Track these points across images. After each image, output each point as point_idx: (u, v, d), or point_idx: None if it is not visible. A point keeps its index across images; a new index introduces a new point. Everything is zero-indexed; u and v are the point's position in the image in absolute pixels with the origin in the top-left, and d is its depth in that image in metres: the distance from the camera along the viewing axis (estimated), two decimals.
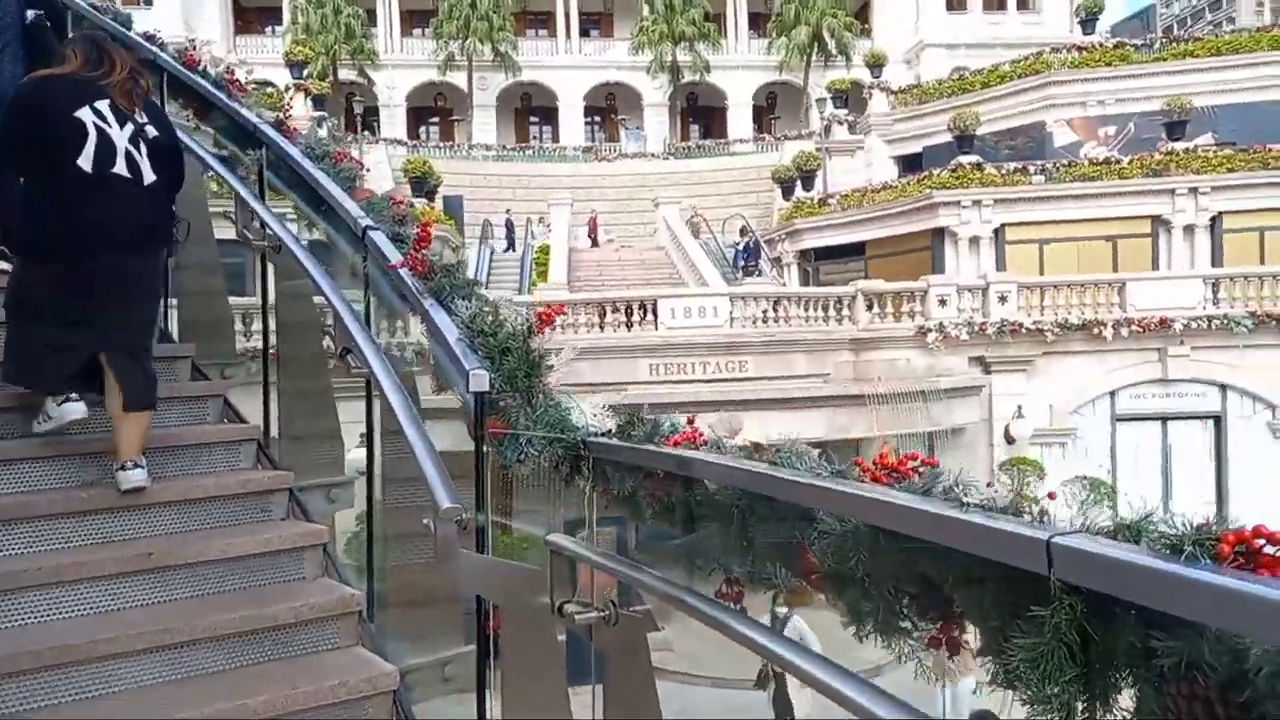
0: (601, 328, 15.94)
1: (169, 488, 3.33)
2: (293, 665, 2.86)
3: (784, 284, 23.39)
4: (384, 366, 2.68)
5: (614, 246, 26.65)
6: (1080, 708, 1.07)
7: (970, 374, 16.93)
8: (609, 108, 42.70)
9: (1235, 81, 23.91)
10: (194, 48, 4.14)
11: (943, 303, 17.29)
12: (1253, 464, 17.30)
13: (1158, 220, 20.86)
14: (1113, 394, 17.62)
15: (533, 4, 42.33)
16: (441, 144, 36.19)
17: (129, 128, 3.15)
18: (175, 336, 4.42)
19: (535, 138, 42.05)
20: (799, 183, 27.76)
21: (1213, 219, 20.61)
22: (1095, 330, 17.13)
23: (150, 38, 4.29)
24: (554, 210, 26.24)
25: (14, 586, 2.74)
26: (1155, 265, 20.39)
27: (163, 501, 3.21)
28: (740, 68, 41.90)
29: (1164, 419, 17.59)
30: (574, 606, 2.28)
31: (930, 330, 17.07)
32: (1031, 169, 21.93)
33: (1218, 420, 17.50)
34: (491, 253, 25.53)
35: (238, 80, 4.07)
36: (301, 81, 27.10)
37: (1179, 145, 21.63)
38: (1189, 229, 20.65)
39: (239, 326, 4.37)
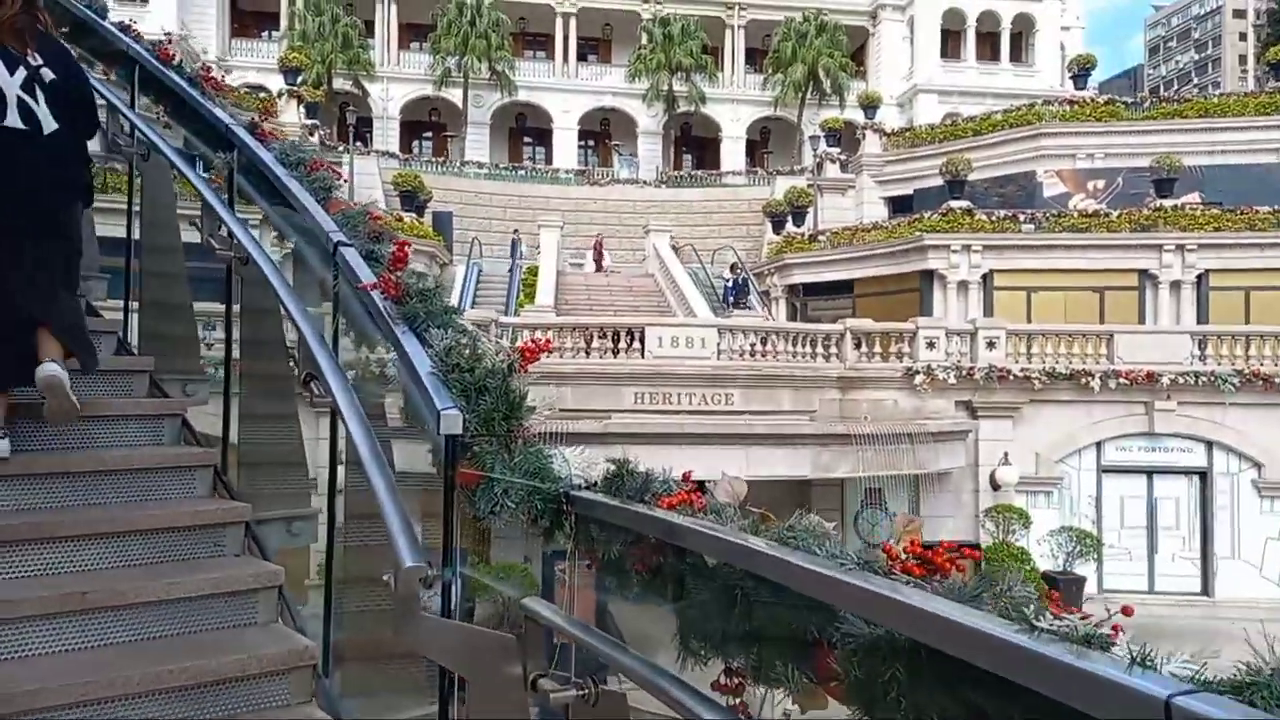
0: (588, 353, 15.70)
1: (114, 517, 3.04)
2: None
3: (771, 318, 23.28)
4: (350, 399, 2.43)
5: (604, 273, 26.45)
6: None
7: (956, 418, 16.80)
8: (603, 133, 42.80)
9: (1223, 143, 24.24)
10: (170, 41, 3.90)
11: (931, 345, 17.19)
12: (1238, 521, 17.25)
13: (1145, 274, 20.98)
14: (1099, 445, 17.53)
15: (532, 26, 42.53)
16: (434, 159, 36.04)
17: (20, 73, 2.82)
18: (135, 348, 4.14)
19: (528, 158, 42.04)
20: (790, 218, 27.85)
21: (1199, 276, 20.77)
22: (1083, 380, 17.07)
23: (125, 28, 4.05)
24: (543, 232, 26.06)
25: None
26: (1141, 319, 20.48)
27: (102, 533, 2.92)
28: (736, 101, 42.21)
29: (1150, 472, 17.51)
30: (549, 682, 2.03)
31: (918, 372, 16.95)
32: (1022, 217, 22.05)
33: (1204, 476, 17.43)
34: (480, 271, 25.26)
35: (214, 78, 3.83)
36: (295, 88, 26.88)
37: (1167, 202, 21.84)
38: (1175, 285, 20.78)
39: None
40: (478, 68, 37.74)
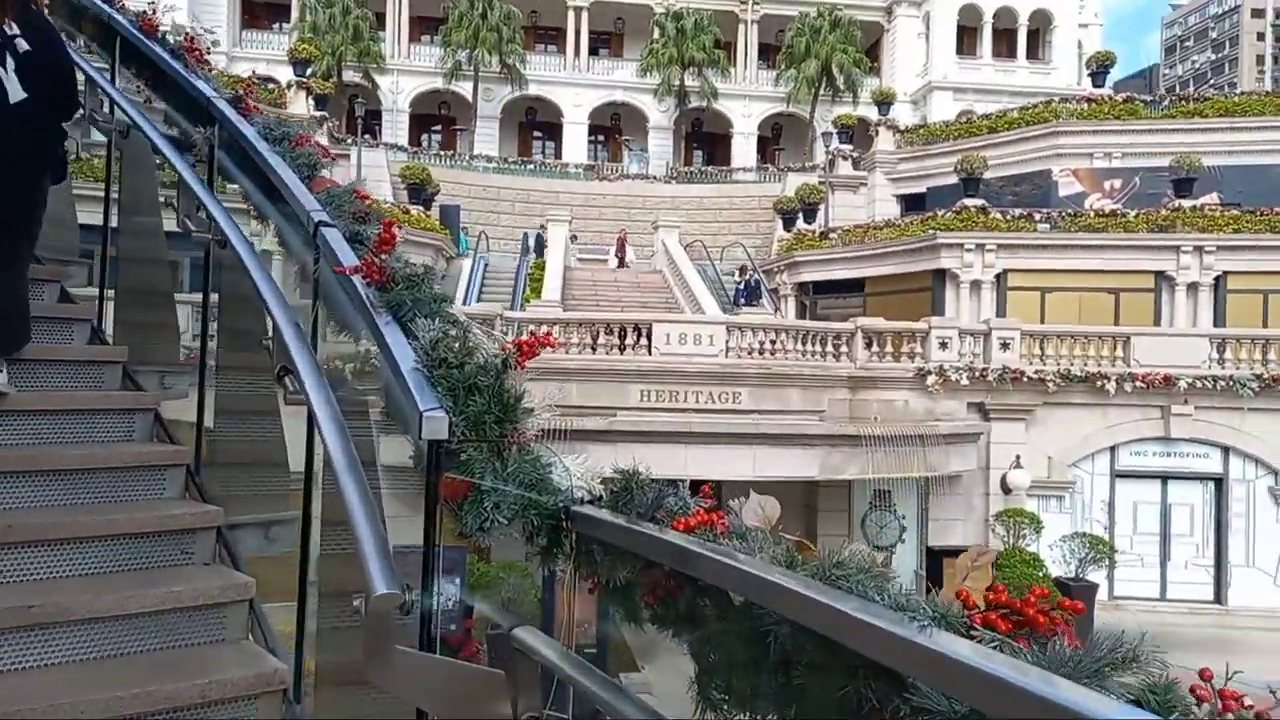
0: (594, 349, 15.41)
1: (75, 521, 2.78)
2: None
3: (781, 315, 22.96)
4: (325, 397, 2.16)
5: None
6: None
7: (969, 420, 16.46)
8: (614, 127, 42.47)
9: (1243, 143, 23.81)
10: (154, 12, 3.63)
11: (943, 345, 16.85)
12: (1253, 529, 16.89)
13: (1161, 276, 20.60)
14: (1113, 449, 17.17)
15: (543, 19, 42.20)
16: (442, 152, 35.80)
17: None
18: (109, 338, 3.88)
19: (538, 152, 41.74)
20: (801, 215, 27.50)
21: (1217, 279, 20.38)
22: (1098, 383, 16.72)
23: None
24: (551, 226, 25.76)
25: None
26: (1157, 321, 20.11)
27: (54, 539, 2.65)
28: (748, 96, 41.82)
29: (1164, 477, 17.15)
30: None
31: (930, 373, 16.62)
32: (1037, 216, 21.68)
33: (1219, 482, 17.07)
34: (486, 265, 24.98)
35: (198, 50, 3.57)
36: (304, 80, 26.67)
37: (1186, 203, 21.43)
38: (1193, 287, 20.40)
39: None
40: (488, 61, 37.44)
